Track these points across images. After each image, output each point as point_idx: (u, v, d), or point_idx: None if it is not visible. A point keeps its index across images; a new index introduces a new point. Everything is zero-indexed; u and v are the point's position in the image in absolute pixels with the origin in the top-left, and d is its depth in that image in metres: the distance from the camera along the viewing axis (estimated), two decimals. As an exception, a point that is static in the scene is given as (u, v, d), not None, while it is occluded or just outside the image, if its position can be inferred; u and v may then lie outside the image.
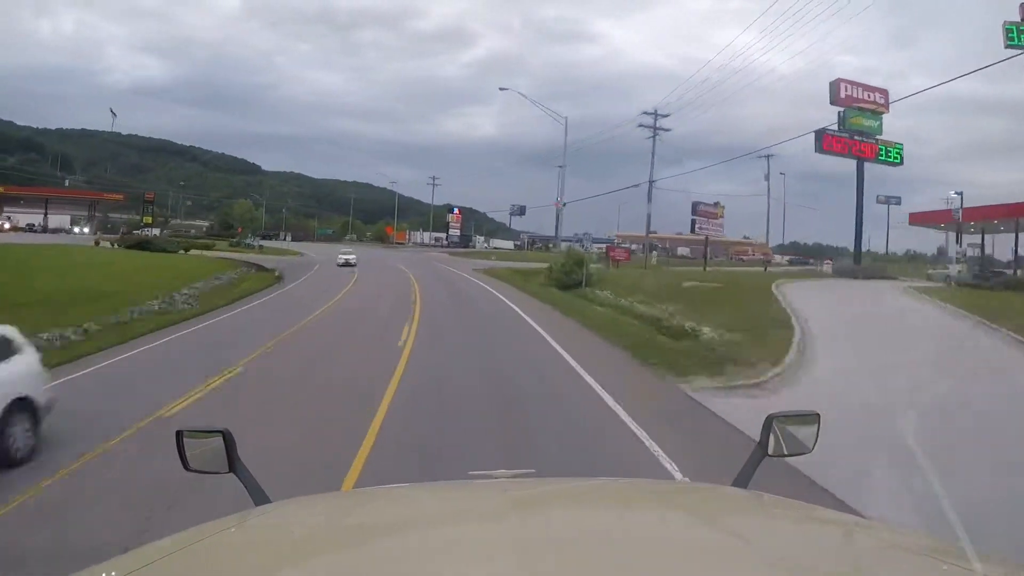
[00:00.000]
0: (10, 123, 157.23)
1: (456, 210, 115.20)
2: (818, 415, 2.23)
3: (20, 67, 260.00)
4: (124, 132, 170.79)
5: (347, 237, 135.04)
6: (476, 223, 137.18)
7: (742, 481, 2.08)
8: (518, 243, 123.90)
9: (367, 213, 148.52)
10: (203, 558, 1.36)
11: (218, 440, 2.10)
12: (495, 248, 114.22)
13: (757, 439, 2.27)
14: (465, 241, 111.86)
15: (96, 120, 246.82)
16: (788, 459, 3.14)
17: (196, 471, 2.15)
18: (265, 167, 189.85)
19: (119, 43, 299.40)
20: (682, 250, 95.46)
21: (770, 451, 2.15)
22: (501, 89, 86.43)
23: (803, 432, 2.21)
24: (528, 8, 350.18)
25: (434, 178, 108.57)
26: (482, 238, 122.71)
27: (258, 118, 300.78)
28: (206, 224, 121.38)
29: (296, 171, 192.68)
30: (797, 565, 1.28)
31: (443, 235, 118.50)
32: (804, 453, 2.22)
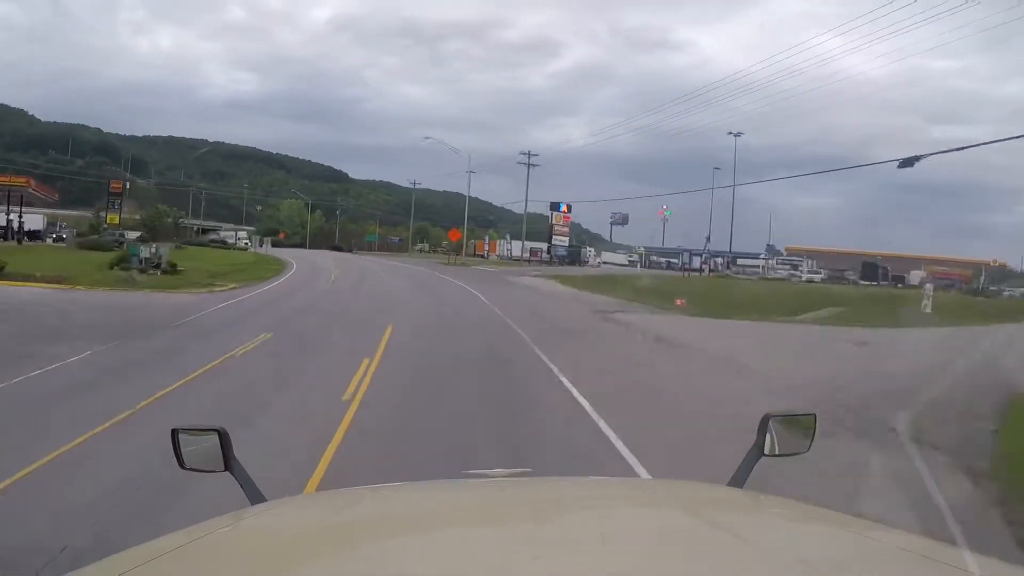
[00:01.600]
0: (97, 130, 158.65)
1: (564, 207, 78.89)
2: (814, 415, 2.22)
3: (118, 82, 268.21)
4: (211, 139, 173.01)
5: (418, 247, 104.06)
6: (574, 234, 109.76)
7: (738, 480, 2.03)
8: (632, 258, 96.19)
9: (456, 222, 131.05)
10: (198, 557, 1.34)
11: (214, 438, 2.03)
12: (604, 263, 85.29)
13: None
14: (574, 256, 76.18)
15: (191, 131, 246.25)
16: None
17: (192, 470, 2.08)
18: (353, 176, 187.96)
19: (215, 59, 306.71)
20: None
21: (766, 451, 2.09)
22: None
23: (799, 431, 2.18)
24: (614, 16, 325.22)
25: (529, 155, 73.49)
26: (591, 250, 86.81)
27: (348, 129, 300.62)
28: (248, 229, 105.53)
29: (385, 180, 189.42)
30: (794, 565, 1.26)
31: (541, 246, 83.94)
32: (800, 453, 2.17)
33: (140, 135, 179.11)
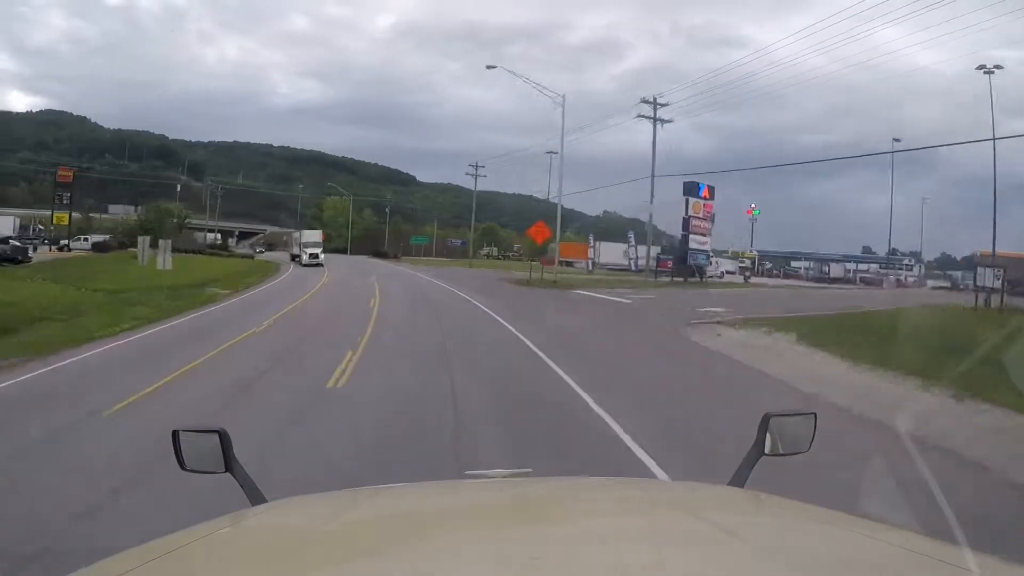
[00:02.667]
0: (161, 136, 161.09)
1: (703, 190, 49.36)
2: (815, 414, 2.17)
3: (186, 91, 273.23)
4: (276, 144, 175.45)
5: (484, 251, 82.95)
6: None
7: (739, 480, 2.02)
8: (742, 263, 77.94)
9: (527, 224, 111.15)
10: (198, 558, 1.33)
11: (214, 439, 2.01)
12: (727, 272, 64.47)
13: None
14: (700, 268, 50.55)
15: (256, 136, 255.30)
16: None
17: (192, 471, 2.04)
18: (420, 179, 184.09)
19: (280, 68, 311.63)
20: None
21: (767, 450, 2.08)
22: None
23: (800, 431, 2.14)
24: (676, 16, 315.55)
25: (655, 104, 48.55)
26: (713, 258, 62.78)
27: (414, 134, 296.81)
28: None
29: (453, 183, 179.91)
30: (795, 565, 1.25)
31: (643, 248, 60.84)
32: (801, 452, 2.13)
33: (205, 140, 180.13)
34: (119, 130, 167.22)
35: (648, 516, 1.66)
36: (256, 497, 1.96)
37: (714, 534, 1.44)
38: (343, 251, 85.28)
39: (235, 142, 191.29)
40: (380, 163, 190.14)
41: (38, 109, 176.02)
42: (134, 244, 33.06)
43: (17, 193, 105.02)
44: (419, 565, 1.21)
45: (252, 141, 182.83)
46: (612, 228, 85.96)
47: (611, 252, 67.82)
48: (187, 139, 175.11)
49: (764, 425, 2.09)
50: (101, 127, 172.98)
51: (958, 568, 1.14)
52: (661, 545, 1.34)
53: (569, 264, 69.40)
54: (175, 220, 71.67)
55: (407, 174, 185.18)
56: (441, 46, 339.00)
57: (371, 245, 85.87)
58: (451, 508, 1.76)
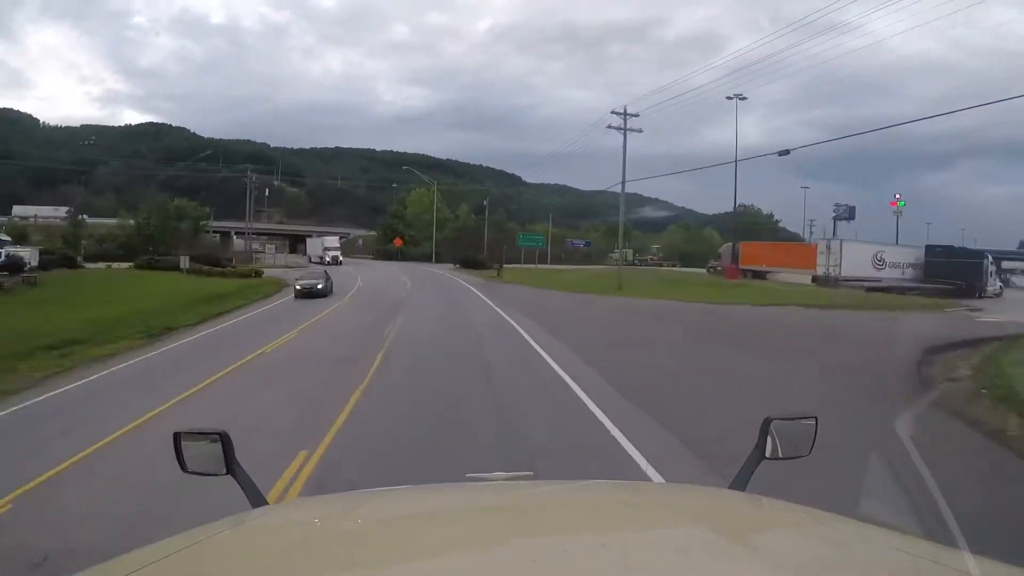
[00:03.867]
0: (264, 144, 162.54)
1: None
2: (815, 418, 2.14)
3: (292, 104, 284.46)
4: (379, 148, 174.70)
5: (613, 254, 59.03)
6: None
7: (740, 484, 2.00)
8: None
9: (639, 225, 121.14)
10: (199, 561, 1.33)
11: (216, 442, 1.99)
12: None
13: None
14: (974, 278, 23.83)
15: (360, 142, 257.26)
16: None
17: (193, 473, 2.02)
18: (527, 179, 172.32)
19: (384, 77, 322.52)
20: None
21: (767, 454, 2.06)
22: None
23: (800, 435, 2.11)
24: (775, 5, 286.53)
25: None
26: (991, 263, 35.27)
27: (520, 136, 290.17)
28: (338, 232, 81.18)
29: (560, 183, 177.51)
30: (796, 568, 1.25)
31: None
32: (801, 456, 2.10)
33: (307, 147, 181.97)
34: (214, 139, 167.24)
35: (648, 519, 1.63)
36: (257, 499, 1.92)
37: (715, 537, 1.41)
38: (426, 258, 63.39)
39: (337, 148, 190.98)
40: (484, 164, 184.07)
41: (136, 123, 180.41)
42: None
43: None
44: (419, 568, 1.22)
45: (356, 147, 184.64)
46: (744, 227, 69.59)
47: (857, 258, 39.93)
48: (290, 147, 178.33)
49: (765, 429, 2.03)
50: (197, 136, 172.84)
51: (959, 571, 1.11)
52: (661, 548, 1.32)
53: (758, 276, 43.18)
54: (184, 223, 51.42)
55: (512, 174, 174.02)
56: (540, 48, 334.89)
57: (465, 249, 63.95)
58: (451, 511, 1.73)
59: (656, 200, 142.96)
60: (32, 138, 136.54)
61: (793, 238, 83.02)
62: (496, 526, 1.55)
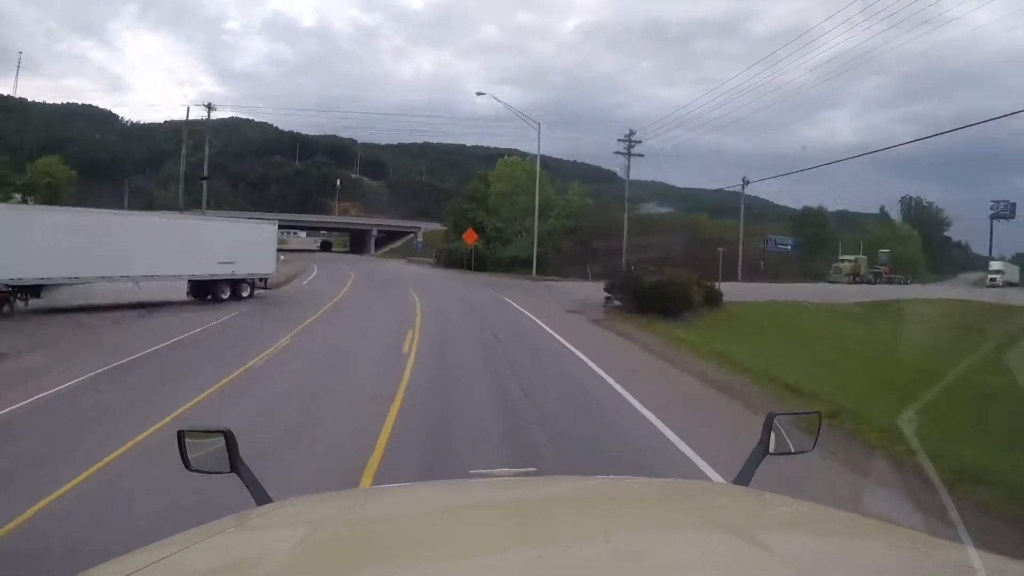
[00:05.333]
0: (350, 140, 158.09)
1: None
2: (819, 414, 2.17)
3: (383, 104, 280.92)
4: (468, 144, 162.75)
5: (841, 264, 33.68)
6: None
7: (744, 479, 1.97)
8: None
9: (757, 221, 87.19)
10: (203, 558, 1.30)
11: (220, 440, 1.96)
12: None
13: None
14: None
15: (448, 138, 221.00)
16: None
17: (197, 471, 1.99)
18: (622, 176, 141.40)
19: (475, 77, 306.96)
20: None
21: (771, 449, 2.03)
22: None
23: (803, 430, 2.12)
24: None
25: None
26: None
27: (612, 135, 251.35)
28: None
29: (658, 179, 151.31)
30: (798, 563, 1.22)
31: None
32: (805, 452, 2.09)
33: (395, 143, 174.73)
34: (299, 133, 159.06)
35: (653, 514, 1.60)
36: (261, 497, 1.90)
37: (718, 533, 1.40)
38: (520, 267, 38.64)
39: (425, 143, 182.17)
40: (579, 160, 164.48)
41: (216, 118, 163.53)
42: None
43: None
44: (424, 565, 1.20)
45: (444, 142, 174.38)
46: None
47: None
48: (376, 143, 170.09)
49: (768, 424, 2.03)
50: (278, 130, 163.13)
51: (962, 566, 1.10)
52: (666, 544, 1.31)
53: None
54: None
55: (608, 171, 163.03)
56: (628, 45, 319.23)
57: (584, 253, 37.58)
58: (456, 508, 1.71)
59: (755, 198, 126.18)
60: (109, 133, 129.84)
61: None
62: (501, 522, 1.52)
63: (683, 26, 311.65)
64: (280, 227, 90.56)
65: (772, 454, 2.02)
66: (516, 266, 39.22)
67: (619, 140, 40.31)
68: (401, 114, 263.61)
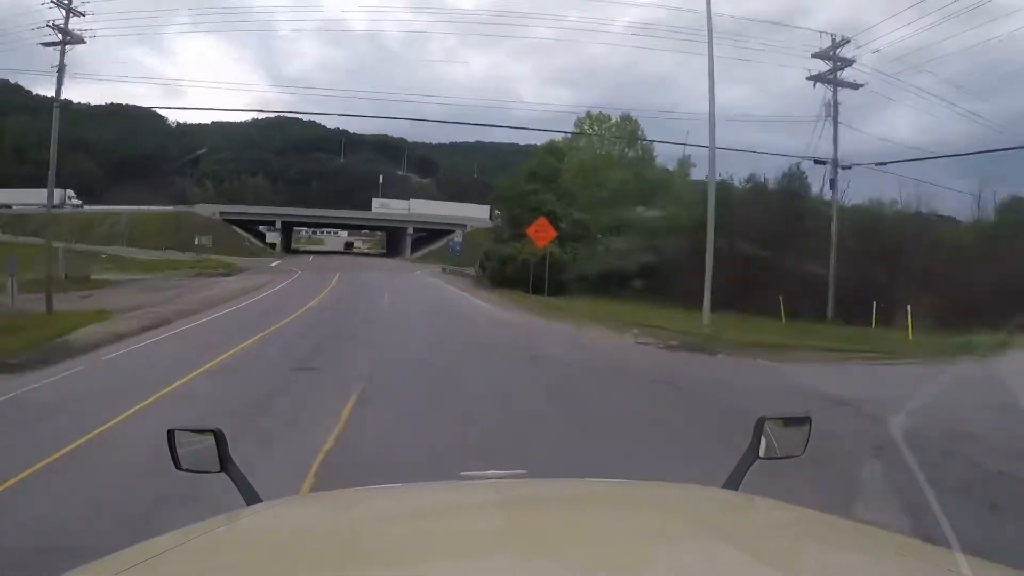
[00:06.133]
0: (400, 139, 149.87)
1: None
2: (809, 418, 2.11)
3: (435, 106, 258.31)
4: (522, 143, 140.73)
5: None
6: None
7: (733, 483, 1.95)
8: None
9: None
10: (194, 558, 1.29)
11: (210, 439, 1.94)
12: None
13: None
14: None
15: (502, 137, 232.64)
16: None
17: (187, 470, 1.98)
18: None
19: (528, 78, 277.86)
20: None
21: (761, 453, 2.01)
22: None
23: (794, 434, 2.07)
24: None
25: None
26: None
27: (668, 135, 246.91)
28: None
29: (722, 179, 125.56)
30: (789, 568, 1.22)
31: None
32: (795, 455, 2.05)
33: (447, 142, 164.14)
34: (345, 130, 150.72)
35: (642, 517, 1.60)
36: (251, 497, 1.88)
37: (708, 537, 1.39)
38: (618, 285, 23.12)
39: (478, 142, 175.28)
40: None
41: (263, 116, 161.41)
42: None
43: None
44: (413, 566, 1.20)
45: (496, 141, 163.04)
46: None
47: None
48: (427, 142, 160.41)
49: (758, 428, 2.02)
50: (324, 127, 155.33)
51: (953, 572, 1.10)
52: (654, 547, 1.31)
53: None
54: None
55: (665, 169, 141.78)
56: (680, 44, 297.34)
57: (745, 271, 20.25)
58: (446, 509, 1.70)
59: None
60: (152, 133, 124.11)
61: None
62: (490, 524, 1.52)
63: (733, 21, 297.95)
64: (312, 226, 77.79)
65: (762, 458, 1.97)
66: (615, 285, 23.51)
67: (813, 56, 23.30)
68: (453, 113, 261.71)
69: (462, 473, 2.12)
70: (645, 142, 30.55)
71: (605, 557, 1.18)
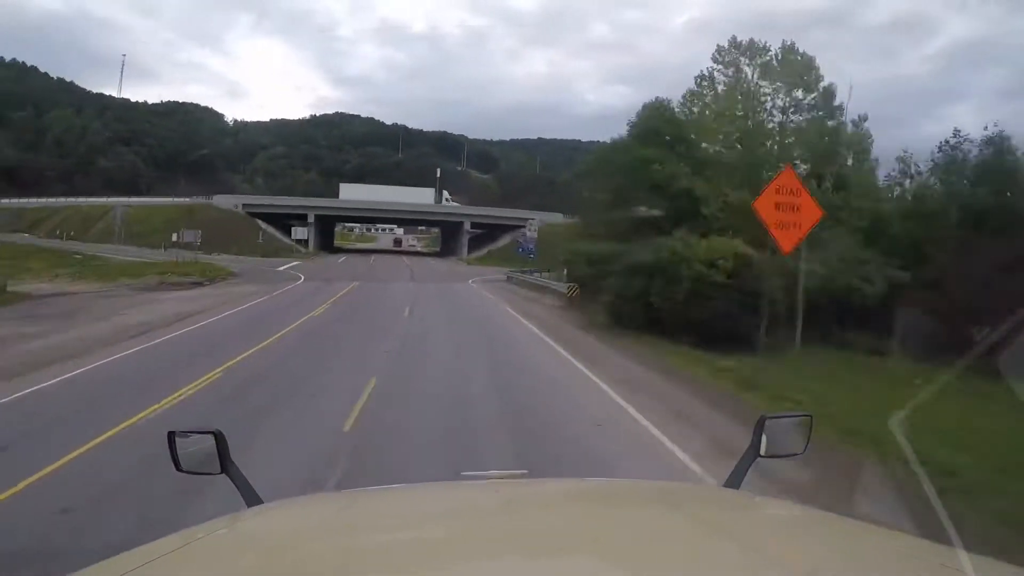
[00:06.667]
0: (461, 135, 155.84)
1: None
2: (811, 416, 2.07)
3: (497, 105, 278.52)
4: (584, 139, 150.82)
5: None
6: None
7: (734, 482, 1.94)
8: None
9: None
10: (195, 560, 1.26)
11: (210, 441, 1.90)
12: None
13: None
14: None
15: (564, 134, 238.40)
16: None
17: (188, 472, 1.93)
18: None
19: (587, 76, 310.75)
20: None
21: (762, 452, 1.98)
22: None
23: (795, 433, 2.06)
24: None
25: None
26: None
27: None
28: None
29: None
30: (790, 566, 1.20)
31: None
32: (796, 454, 2.04)
33: (507, 139, 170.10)
34: (398, 125, 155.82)
35: (642, 517, 1.56)
36: (252, 499, 1.84)
37: (709, 536, 1.37)
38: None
39: (539, 139, 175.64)
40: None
41: (320, 114, 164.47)
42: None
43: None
44: (414, 566, 1.17)
45: (559, 137, 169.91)
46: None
47: None
48: (488, 139, 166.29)
49: (759, 427, 1.97)
50: (381, 123, 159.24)
51: (954, 570, 1.08)
52: (655, 546, 1.28)
53: None
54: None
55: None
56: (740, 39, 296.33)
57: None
58: (446, 510, 1.67)
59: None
60: (212, 131, 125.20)
61: None
62: (491, 524, 1.50)
63: (795, 16, 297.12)
64: (349, 219, 68.21)
65: (763, 456, 1.96)
66: (826, 324, 12.00)
67: None
68: (514, 113, 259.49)
69: (463, 473, 2.14)
70: (826, 84, 18.78)
71: (604, 558, 1.17)
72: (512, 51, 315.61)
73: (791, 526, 1.52)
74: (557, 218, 59.07)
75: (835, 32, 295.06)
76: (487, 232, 59.80)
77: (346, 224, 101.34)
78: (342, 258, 52.85)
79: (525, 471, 2.27)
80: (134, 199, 54.31)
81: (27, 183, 62.87)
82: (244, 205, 54.68)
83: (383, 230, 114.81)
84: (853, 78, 61.29)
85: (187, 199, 52.57)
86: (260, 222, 51.23)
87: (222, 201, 55.00)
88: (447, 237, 73.43)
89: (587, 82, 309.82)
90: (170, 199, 53.27)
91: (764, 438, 1.93)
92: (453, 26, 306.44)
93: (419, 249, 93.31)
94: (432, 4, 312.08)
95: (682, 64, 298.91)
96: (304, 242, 53.94)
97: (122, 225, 42.25)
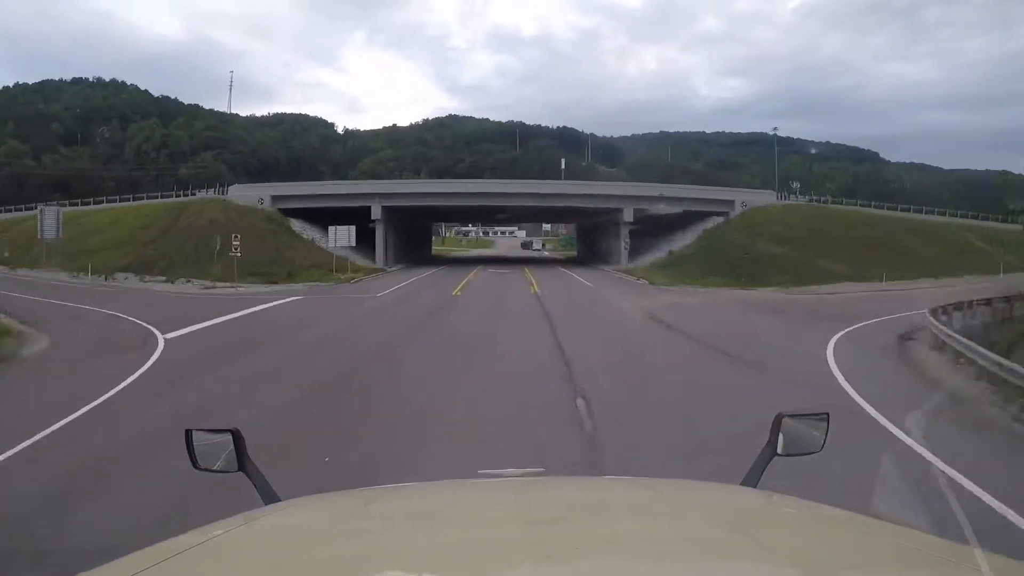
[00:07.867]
0: (580, 132, 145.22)
1: None
2: (827, 414, 2.05)
3: (612, 104, 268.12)
4: (709, 131, 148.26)
5: None
6: None
7: (751, 480, 1.91)
8: None
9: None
10: (211, 557, 1.26)
11: (227, 439, 1.90)
12: None
13: None
14: None
15: (684, 126, 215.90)
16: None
17: (205, 470, 1.93)
18: (885, 156, 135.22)
19: (700, 70, 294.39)
20: None
21: (779, 450, 1.97)
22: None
23: (812, 431, 2.02)
24: None
25: None
26: None
27: (844, 121, 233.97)
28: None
29: (919, 161, 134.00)
30: (808, 565, 1.17)
31: None
32: (813, 452, 2.01)
33: (628, 135, 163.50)
34: (513, 122, 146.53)
35: (660, 515, 1.56)
36: (269, 496, 1.84)
37: (726, 534, 1.35)
38: None
39: (663, 132, 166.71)
40: (832, 141, 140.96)
41: (433, 116, 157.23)
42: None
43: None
44: (431, 565, 1.16)
45: (681, 130, 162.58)
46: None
47: None
48: (609, 135, 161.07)
49: (776, 425, 1.97)
50: (498, 123, 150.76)
51: (973, 570, 1.06)
52: (672, 545, 1.27)
53: None
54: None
55: (869, 151, 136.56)
56: (852, 22, 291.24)
57: None
58: (464, 508, 1.66)
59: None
60: (320, 140, 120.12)
61: None
62: (509, 523, 1.47)
63: None
64: (459, 216, 30.95)
65: (780, 455, 1.94)
66: None
67: None
68: (630, 110, 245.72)
69: (480, 471, 2.05)
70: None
71: (622, 556, 1.15)
72: (622, 49, 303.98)
73: (809, 525, 1.50)
74: (769, 198, 36.98)
75: (951, 7, 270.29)
76: (651, 225, 38.77)
77: (458, 228, 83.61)
78: (412, 278, 32.76)
79: (542, 469, 1.90)
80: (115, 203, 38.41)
81: (83, 192, 52.80)
82: (275, 198, 38.30)
83: (502, 233, 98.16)
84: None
85: (180, 197, 36.29)
86: (294, 222, 33.92)
87: (241, 194, 39.11)
88: (588, 235, 53.61)
89: (699, 76, 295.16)
90: (158, 198, 37.19)
91: (781, 436, 1.90)
92: (563, 28, 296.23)
93: (546, 255, 73.39)
94: (541, 7, 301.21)
95: (792, 52, 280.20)
96: (353, 248, 34.58)
97: (60, 240, 26.44)
